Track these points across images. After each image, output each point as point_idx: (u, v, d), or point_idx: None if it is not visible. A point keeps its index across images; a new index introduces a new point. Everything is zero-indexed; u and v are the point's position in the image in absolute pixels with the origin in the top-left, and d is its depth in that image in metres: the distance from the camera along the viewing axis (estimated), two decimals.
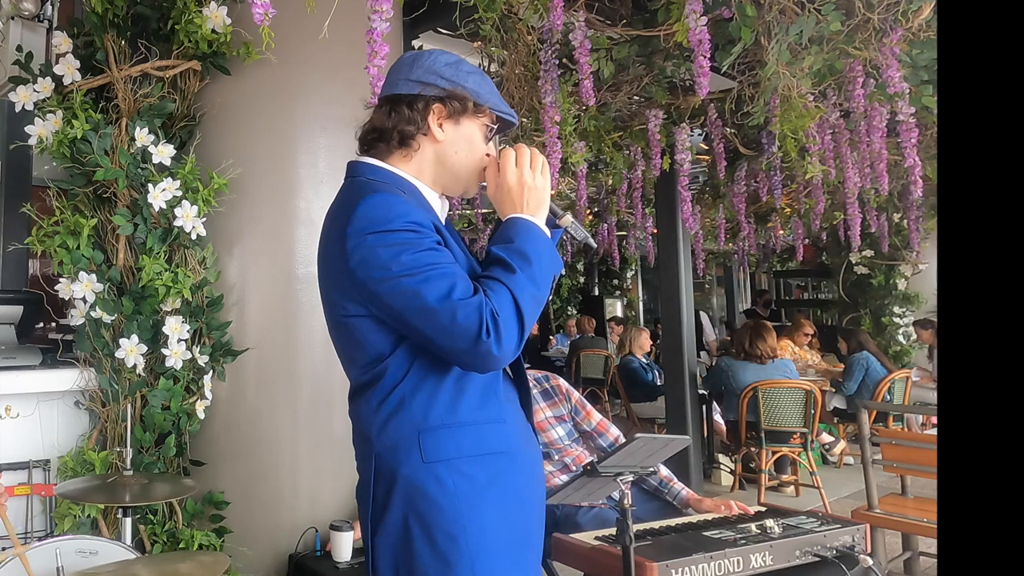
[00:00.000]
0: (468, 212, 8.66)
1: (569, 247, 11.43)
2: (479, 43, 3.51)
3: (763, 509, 2.42)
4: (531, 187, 1.34)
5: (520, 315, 1.22)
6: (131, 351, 2.54)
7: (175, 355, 2.58)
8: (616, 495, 1.74)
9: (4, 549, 2.33)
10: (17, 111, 2.65)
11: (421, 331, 1.24)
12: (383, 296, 1.24)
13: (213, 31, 2.66)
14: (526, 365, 1.51)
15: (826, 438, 6.05)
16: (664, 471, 2.66)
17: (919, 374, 6.62)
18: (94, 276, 2.56)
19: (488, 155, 1.42)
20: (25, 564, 1.84)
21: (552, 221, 1.42)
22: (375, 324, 1.28)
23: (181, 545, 2.57)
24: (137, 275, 2.62)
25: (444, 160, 1.40)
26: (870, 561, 1.97)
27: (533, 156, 1.37)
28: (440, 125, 1.38)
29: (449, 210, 1.48)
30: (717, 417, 5.85)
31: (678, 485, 2.59)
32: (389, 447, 1.29)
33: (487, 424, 1.31)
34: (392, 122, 1.38)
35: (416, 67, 1.40)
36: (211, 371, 2.71)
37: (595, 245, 1.45)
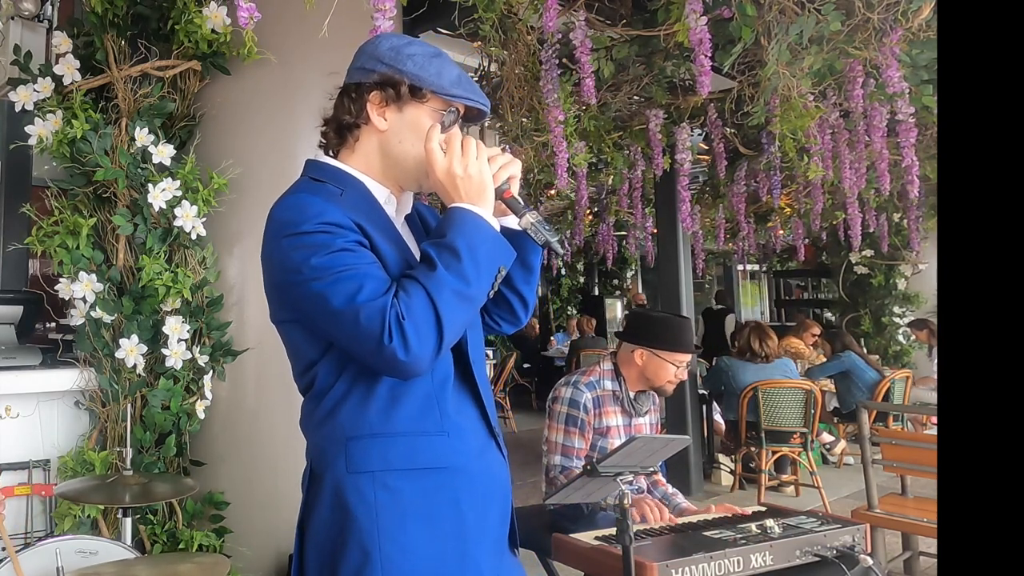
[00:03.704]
0: None
1: (568, 249, 11.44)
2: (479, 43, 3.51)
3: (763, 509, 2.42)
4: (463, 176, 1.23)
5: (437, 317, 1.13)
6: (131, 351, 2.54)
7: (175, 355, 2.58)
8: (617, 495, 1.73)
9: (4, 549, 2.33)
10: (17, 111, 2.65)
11: (333, 336, 1.19)
12: (298, 301, 1.20)
13: (213, 31, 2.66)
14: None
15: (826, 438, 6.05)
16: (671, 487, 2.67)
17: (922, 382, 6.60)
18: (94, 276, 2.56)
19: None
20: (17, 569, 1.84)
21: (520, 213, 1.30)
22: (302, 329, 1.24)
23: (181, 545, 2.57)
24: (137, 275, 2.62)
25: (388, 151, 1.31)
26: (870, 561, 1.97)
27: (465, 143, 1.25)
28: (381, 114, 1.29)
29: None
30: (717, 417, 5.85)
31: (680, 498, 2.60)
32: (318, 452, 1.25)
33: (423, 436, 1.23)
34: (334, 114, 1.33)
35: (361, 54, 1.33)
36: (211, 371, 2.71)
37: (561, 251, 1.29)
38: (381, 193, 1.33)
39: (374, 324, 1.11)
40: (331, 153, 1.36)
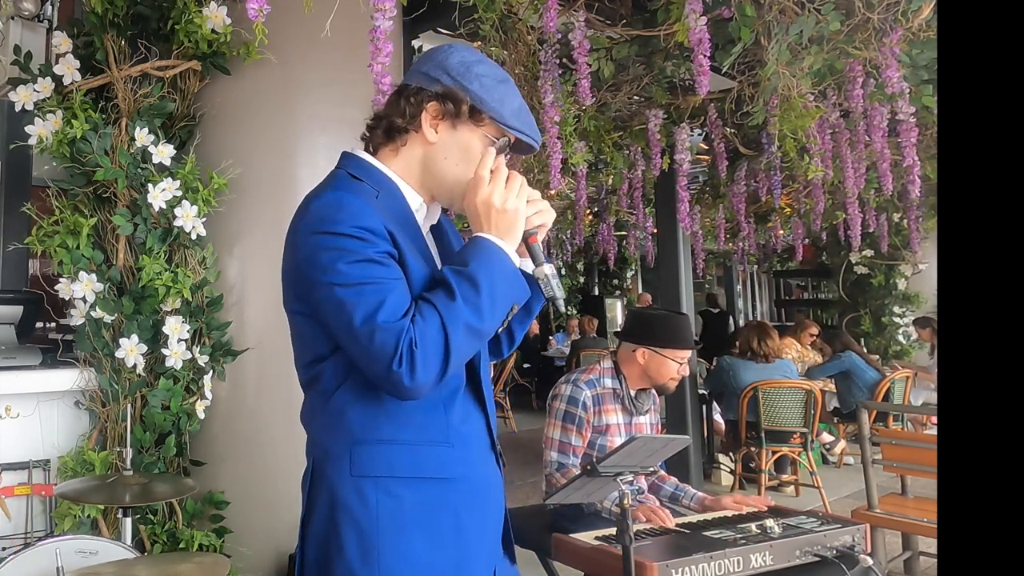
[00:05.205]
0: None
1: (568, 249, 11.44)
2: (479, 43, 3.51)
3: (763, 509, 2.42)
4: (499, 210, 1.23)
5: (447, 348, 1.14)
6: (131, 351, 2.53)
7: (175, 355, 2.58)
8: (618, 495, 1.73)
9: (4, 549, 2.34)
10: (17, 111, 2.65)
11: (342, 343, 1.19)
12: (317, 300, 1.20)
13: (213, 31, 2.66)
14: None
15: (826, 438, 6.05)
16: (674, 479, 2.67)
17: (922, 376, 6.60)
18: (94, 276, 2.55)
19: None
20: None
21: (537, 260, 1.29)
22: (316, 324, 1.23)
23: (181, 545, 2.57)
24: (137, 275, 2.62)
25: (431, 164, 1.30)
26: (870, 561, 1.98)
27: (511, 179, 1.25)
28: (434, 126, 1.28)
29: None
30: (717, 417, 5.85)
31: (692, 488, 2.60)
32: (323, 452, 1.25)
33: (427, 445, 1.23)
34: (387, 111, 1.31)
35: (429, 59, 1.31)
36: (211, 371, 2.71)
37: (563, 309, 1.30)
38: (415, 200, 1.32)
39: (387, 347, 1.11)
40: (370, 150, 1.34)
